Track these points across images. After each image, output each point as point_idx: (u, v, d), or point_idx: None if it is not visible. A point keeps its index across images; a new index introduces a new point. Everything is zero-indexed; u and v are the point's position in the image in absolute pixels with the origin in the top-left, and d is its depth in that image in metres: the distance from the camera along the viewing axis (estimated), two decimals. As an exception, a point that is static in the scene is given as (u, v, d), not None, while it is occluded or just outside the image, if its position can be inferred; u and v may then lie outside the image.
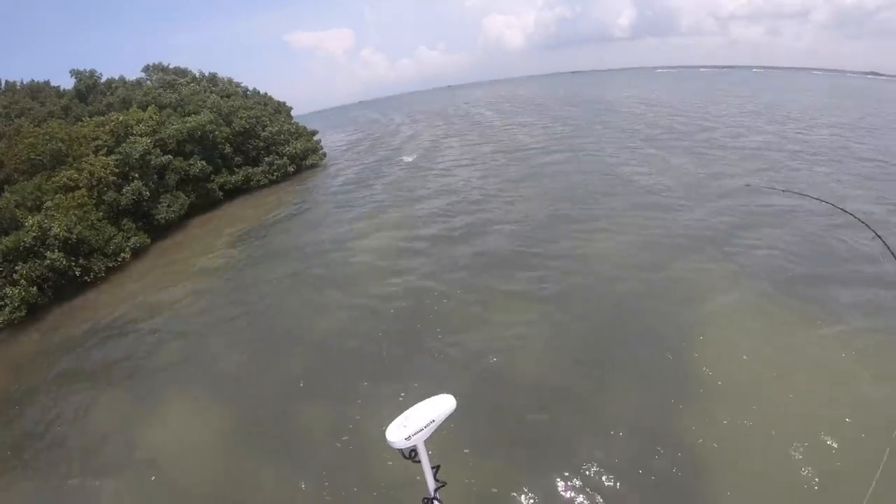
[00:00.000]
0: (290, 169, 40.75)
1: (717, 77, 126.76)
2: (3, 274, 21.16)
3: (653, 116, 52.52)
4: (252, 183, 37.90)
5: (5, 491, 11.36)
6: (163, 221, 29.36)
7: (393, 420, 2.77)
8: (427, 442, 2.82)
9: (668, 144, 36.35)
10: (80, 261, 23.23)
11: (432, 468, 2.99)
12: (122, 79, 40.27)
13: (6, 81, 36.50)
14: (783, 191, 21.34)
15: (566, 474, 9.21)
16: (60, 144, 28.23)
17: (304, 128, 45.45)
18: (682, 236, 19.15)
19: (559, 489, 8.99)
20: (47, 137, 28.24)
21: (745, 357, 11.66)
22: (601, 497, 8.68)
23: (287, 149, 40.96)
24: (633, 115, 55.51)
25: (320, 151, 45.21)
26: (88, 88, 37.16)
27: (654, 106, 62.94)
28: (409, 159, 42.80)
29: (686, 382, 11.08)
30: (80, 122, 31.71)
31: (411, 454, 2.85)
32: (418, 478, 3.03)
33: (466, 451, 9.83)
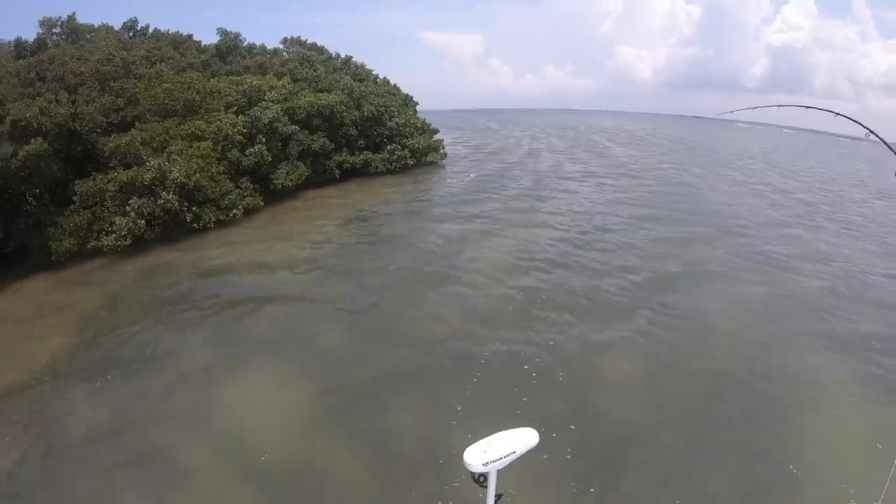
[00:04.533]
0: (410, 162, 38.06)
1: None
2: (117, 204, 20.06)
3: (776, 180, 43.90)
4: (370, 168, 35.54)
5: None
6: (279, 188, 27.71)
7: (474, 442, 2.65)
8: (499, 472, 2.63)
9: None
10: (193, 208, 21.49)
11: (495, 496, 2.80)
12: (262, 46, 39.94)
13: (154, 28, 36.80)
14: None
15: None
16: (195, 95, 27.39)
17: (429, 124, 42.95)
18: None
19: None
20: (184, 86, 27.50)
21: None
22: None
23: (410, 142, 38.47)
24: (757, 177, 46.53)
25: (441, 151, 42.41)
26: (229, 49, 36.75)
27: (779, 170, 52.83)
28: (529, 174, 39.21)
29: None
30: (215, 79, 30.93)
31: (480, 478, 2.71)
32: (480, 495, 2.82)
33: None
